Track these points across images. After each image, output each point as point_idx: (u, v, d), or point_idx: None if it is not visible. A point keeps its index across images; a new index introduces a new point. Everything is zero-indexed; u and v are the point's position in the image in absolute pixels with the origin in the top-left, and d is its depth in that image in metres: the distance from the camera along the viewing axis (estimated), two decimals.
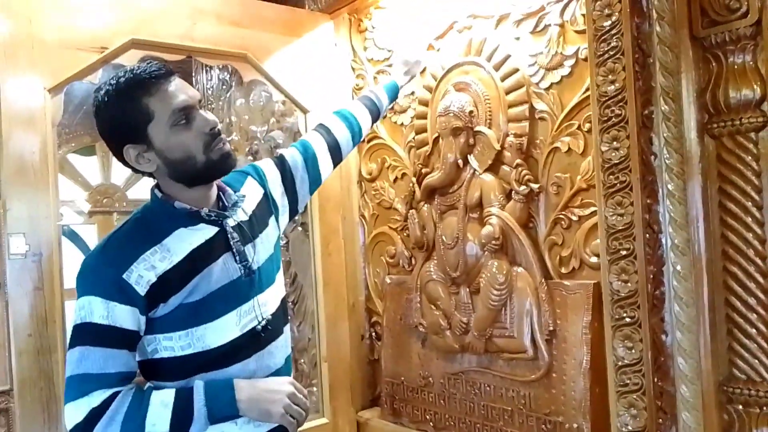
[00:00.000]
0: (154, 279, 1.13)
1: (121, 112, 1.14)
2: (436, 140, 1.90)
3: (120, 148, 1.18)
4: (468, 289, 1.82)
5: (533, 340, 1.65)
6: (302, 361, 2.36)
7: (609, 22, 1.38)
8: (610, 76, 1.38)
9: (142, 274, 1.12)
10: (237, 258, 1.23)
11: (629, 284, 1.36)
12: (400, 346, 2.09)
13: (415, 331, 2.02)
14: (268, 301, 1.28)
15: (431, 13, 1.97)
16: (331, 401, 2.19)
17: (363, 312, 2.31)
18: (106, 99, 1.15)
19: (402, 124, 2.12)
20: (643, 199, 1.34)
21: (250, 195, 1.35)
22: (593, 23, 1.41)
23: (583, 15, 1.53)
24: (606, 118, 1.38)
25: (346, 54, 2.29)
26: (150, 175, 1.23)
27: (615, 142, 1.37)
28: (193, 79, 3.32)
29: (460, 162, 1.79)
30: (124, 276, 1.11)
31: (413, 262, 2.08)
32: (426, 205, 1.95)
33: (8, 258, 1.54)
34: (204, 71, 3.23)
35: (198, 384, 1.15)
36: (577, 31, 1.59)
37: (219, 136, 1.19)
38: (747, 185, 1.27)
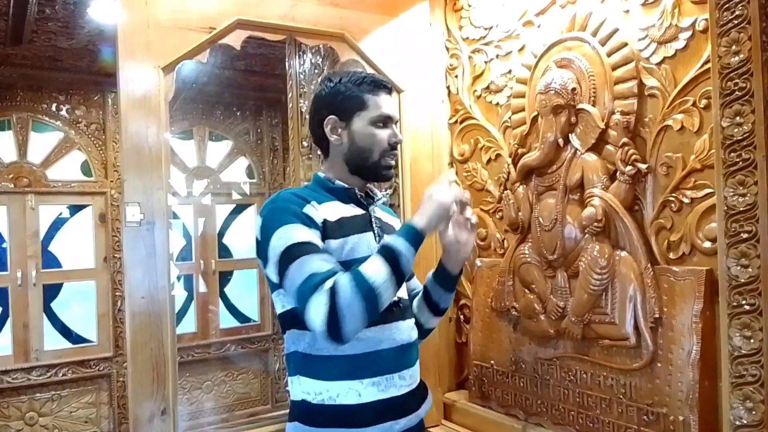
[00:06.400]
0: (321, 219, 1.34)
1: (347, 91, 1.42)
2: (534, 119, 1.84)
3: (325, 115, 1.43)
4: (565, 273, 1.76)
5: (636, 328, 1.58)
6: None
7: None
8: (733, 47, 1.29)
9: (314, 212, 1.34)
10: (377, 238, 1.41)
11: (750, 269, 1.27)
12: (490, 330, 2.06)
13: (507, 315, 1.98)
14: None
15: None
16: None
17: None
18: (341, 79, 1.43)
19: (497, 104, 2.08)
20: None
21: (390, 215, 1.58)
22: None
23: None
24: (728, 92, 1.29)
25: (440, 33, 2.27)
26: (325, 150, 1.47)
27: (738, 117, 1.28)
28: (286, 63, 3.42)
29: (561, 141, 1.74)
30: (304, 210, 1.33)
31: (505, 244, 2.05)
32: (522, 186, 1.91)
33: (125, 225, 1.64)
34: (297, 56, 3.31)
35: (386, 238, 1.32)
36: (694, 2, 1.49)
37: (395, 150, 1.45)
38: None
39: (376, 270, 1.23)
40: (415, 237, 1.29)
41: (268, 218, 1.34)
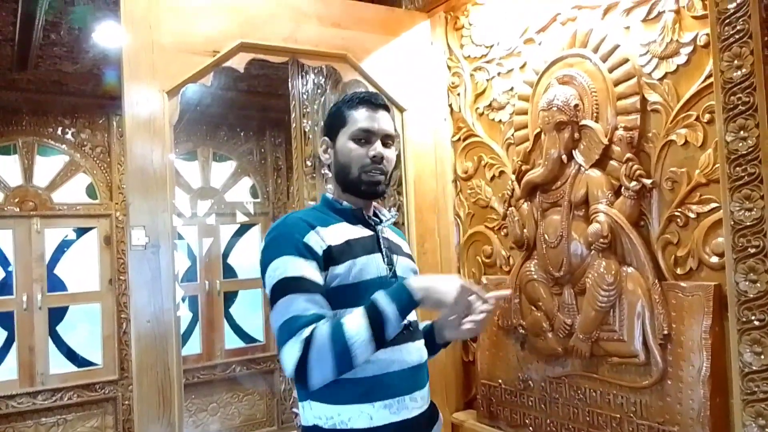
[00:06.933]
0: (325, 246, 1.33)
1: (336, 111, 1.47)
2: (537, 136, 1.85)
3: (322, 137, 1.49)
4: (572, 290, 1.75)
5: (645, 345, 1.56)
6: None
7: (734, 4, 1.30)
8: (735, 61, 1.30)
9: (317, 240, 1.33)
10: (385, 260, 1.41)
11: (758, 284, 1.26)
12: (498, 348, 2.04)
13: (514, 333, 1.97)
14: None
15: (532, 7, 1.93)
16: None
17: None
18: (337, 101, 1.49)
19: (500, 121, 2.08)
20: None
21: (398, 236, 1.57)
22: (716, 6, 1.33)
23: None
24: (731, 106, 1.30)
25: (441, 52, 2.28)
26: (328, 168, 1.49)
27: (742, 132, 1.28)
28: (289, 84, 3.44)
29: (565, 157, 1.73)
30: (305, 239, 1.32)
31: (511, 262, 2.04)
32: (526, 203, 1.90)
33: (130, 249, 1.64)
34: (299, 77, 3.33)
35: (377, 294, 1.26)
36: (695, 17, 1.50)
37: (378, 165, 1.41)
38: None
39: (357, 329, 1.21)
40: (407, 305, 1.25)
41: (269, 246, 1.34)
